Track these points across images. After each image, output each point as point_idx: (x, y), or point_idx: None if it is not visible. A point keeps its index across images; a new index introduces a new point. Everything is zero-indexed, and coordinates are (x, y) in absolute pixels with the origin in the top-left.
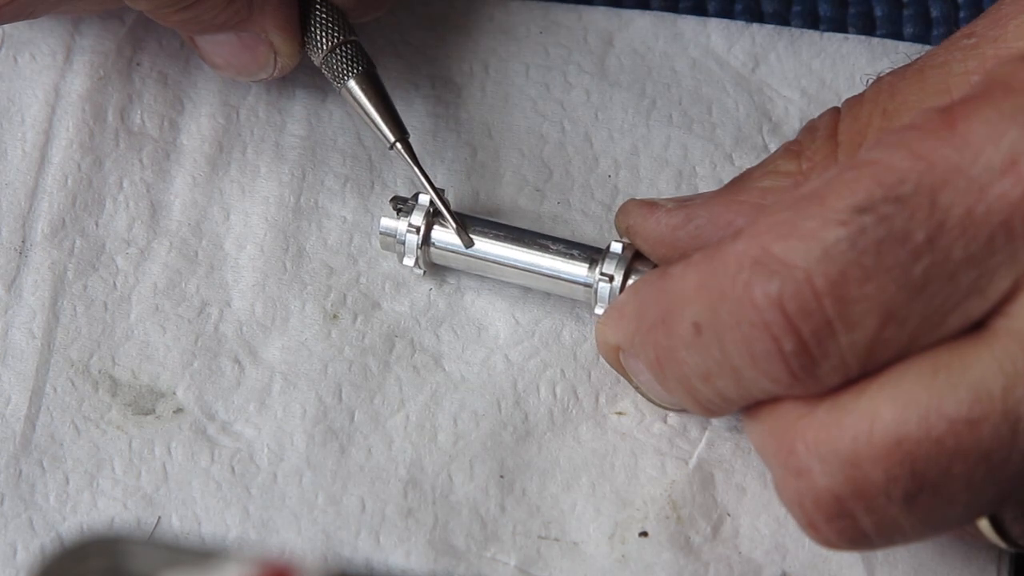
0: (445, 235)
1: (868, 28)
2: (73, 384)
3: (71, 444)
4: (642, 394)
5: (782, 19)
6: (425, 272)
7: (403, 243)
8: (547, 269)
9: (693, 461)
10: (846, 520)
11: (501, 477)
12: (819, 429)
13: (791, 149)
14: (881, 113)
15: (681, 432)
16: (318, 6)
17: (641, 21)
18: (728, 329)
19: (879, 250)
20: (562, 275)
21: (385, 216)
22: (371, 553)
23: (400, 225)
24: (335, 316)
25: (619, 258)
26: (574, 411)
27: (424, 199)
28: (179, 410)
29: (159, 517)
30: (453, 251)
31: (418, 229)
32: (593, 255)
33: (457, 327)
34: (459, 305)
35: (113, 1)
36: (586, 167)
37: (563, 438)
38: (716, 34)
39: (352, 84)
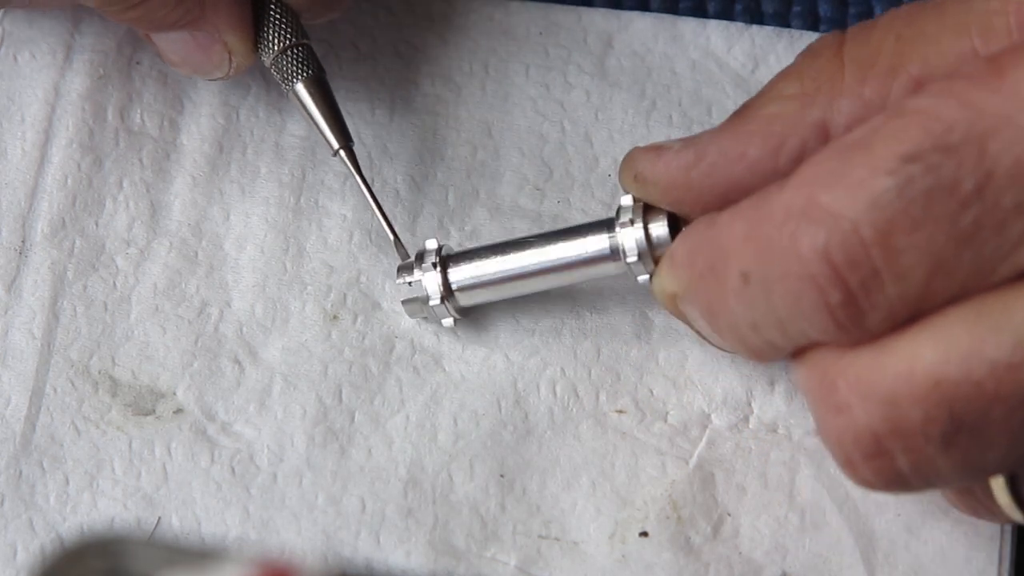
0: (462, 274)
1: None
2: (73, 384)
3: (71, 444)
4: (703, 339)
5: (782, 19)
6: (457, 319)
7: (429, 303)
8: (574, 258)
9: (693, 461)
10: (884, 459)
11: (501, 476)
12: (861, 368)
13: (791, 71)
14: (895, 38)
15: (681, 431)
16: (272, 7)
17: (641, 23)
18: (775, 280)
19: (927, 200)
20: (590, 257)
21: (403, 297)
22: (371, 553)
23: (420, 291)
24: (335, 317)
25: (631, 210)
26: (574, 410)
27: (430, 244)
28: (179, 410)
29: (159, 517)
30: (480, 285)
31: (441, 296)
32: (606, 224)
33: (457, 327)
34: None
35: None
36: (586, 167)
37: (563, 437)
38: (716, 36)
39: (300, 87)
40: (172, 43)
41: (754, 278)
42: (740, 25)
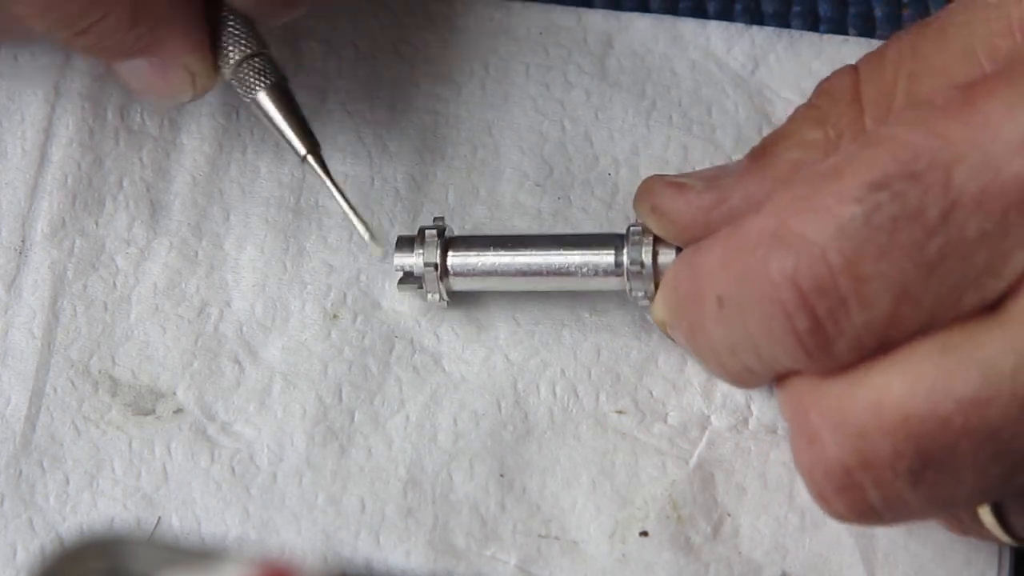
0: (461, 260)
1: (868, 29)
2: (73, 384)
3: (71, 444)
4: (698, 363)
5: (782, 19)
6: (448, 302)
7: (420, 277)
8: (578, 268)
9: (693, 461)
10: (854, 492)
11: (501, 476)
12: (832, 399)
13: (811, 116)
14: (907, 76)
15: (681, 432)
16: (229, 19)
17: (640, 23)
18: (748, 304)
19: (893, 227)
20: (594, 271)
21: (399, 268)
22: (371, 553)
23: (415, 261)
24: (335, 316)
25: (642, 234)
26: (574, 410)
27: (430, 235)
28: (179, 410)
29: (159, 517)
30: (477, 274)
31: (435, 265)
32: (615, 242)
33: (457, 327)
34: (459, 305)
35: (24, 32)
36: (586, 165)
37: (563, 437)
38: (716, 36)
39: (261, 96)
40: (134, 71)
41: (728, 302)
42: (740, 25)
